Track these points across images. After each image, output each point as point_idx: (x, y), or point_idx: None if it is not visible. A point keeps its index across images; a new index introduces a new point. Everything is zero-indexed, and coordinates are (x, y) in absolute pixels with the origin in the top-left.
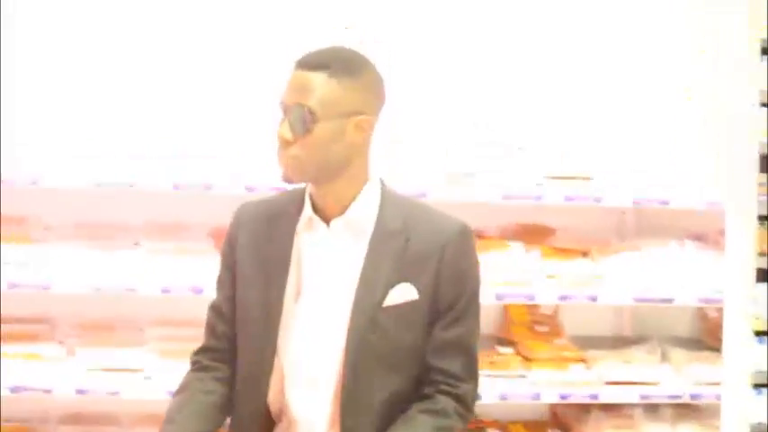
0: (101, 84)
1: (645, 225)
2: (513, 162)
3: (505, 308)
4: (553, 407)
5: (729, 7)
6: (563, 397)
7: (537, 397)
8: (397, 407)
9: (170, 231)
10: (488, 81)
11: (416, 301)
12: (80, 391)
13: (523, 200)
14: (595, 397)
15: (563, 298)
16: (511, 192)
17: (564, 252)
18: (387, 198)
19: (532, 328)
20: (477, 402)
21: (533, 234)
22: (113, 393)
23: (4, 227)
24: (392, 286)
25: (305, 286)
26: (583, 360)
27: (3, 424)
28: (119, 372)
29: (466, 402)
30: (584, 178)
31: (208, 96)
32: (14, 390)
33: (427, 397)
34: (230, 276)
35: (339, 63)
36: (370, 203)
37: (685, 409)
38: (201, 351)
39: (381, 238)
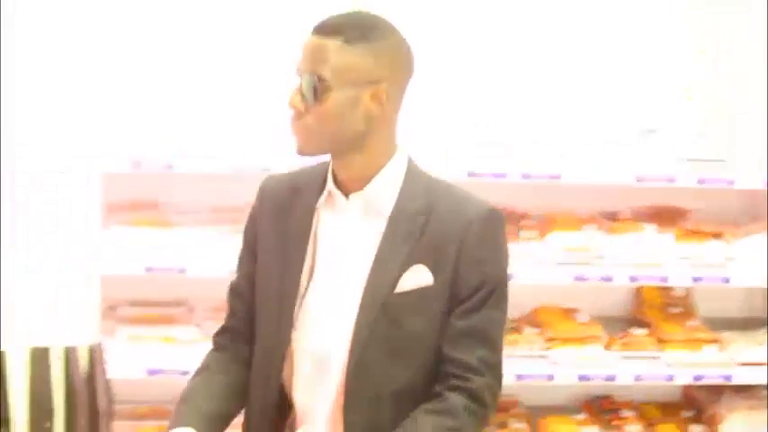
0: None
1: None
2: (647, 144)
3: (638, 290)
4: (686, 388)
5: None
6: (696, 378)
7: (670, 378)
8: (407, 403)
9: None
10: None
11: (432, 286)
12: None
13: (657, 182)
14: (728, 378)
15: (696, 280)
16: (644, 174)
17: (697, 234)
18: (411, 175)
19: (665, 310)
20: (611, 383)
21: (667, 216)
22: None
23: (139, 212)
24: (406, 270)
25: (318, 266)
26: (716, 341)
27: (140, 406)
28: None
29: (480, 398)
30: (717, 161)
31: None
32: (151, 372)
33: (437, 395)
34: (249, 254)
35: (355, 29)
36: (392, 180)
37: None
38: (222, 332)
39: (400, 218)
